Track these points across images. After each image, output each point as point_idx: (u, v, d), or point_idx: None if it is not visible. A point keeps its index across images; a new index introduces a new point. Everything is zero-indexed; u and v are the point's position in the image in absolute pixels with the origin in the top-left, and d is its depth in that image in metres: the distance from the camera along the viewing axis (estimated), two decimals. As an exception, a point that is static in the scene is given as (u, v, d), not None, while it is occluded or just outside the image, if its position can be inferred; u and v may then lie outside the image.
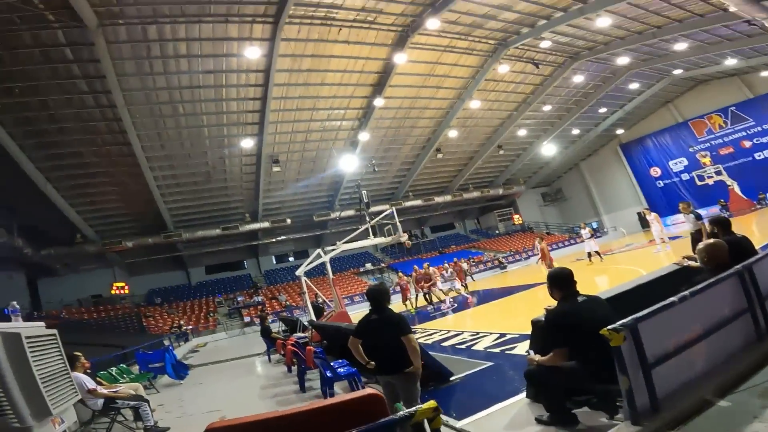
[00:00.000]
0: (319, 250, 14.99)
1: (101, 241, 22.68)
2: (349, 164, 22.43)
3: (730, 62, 23.61)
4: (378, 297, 3.54)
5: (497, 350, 6.22)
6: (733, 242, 4.16)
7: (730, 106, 28.02)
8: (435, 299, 15.18)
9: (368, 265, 31.62)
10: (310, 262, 14.62)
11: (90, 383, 5.47)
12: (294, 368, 7.65)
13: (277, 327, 14.62)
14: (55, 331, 4.16)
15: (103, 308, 23.63)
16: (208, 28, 14.44)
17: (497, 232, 38.44)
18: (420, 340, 8.31)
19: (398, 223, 16.10)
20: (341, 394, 5.83)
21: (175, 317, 23.16)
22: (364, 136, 22.38)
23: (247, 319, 23.22)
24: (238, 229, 25.54)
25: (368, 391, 2.12)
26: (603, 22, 18.11)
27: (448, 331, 8.95)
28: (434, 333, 9.26)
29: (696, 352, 2.97)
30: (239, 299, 25.83)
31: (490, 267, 28.72)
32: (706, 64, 24.55)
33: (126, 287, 25.47)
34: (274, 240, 29.56)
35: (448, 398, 4.62)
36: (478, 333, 7.87)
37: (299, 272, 13.95)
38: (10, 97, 14.28)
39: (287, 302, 25.31)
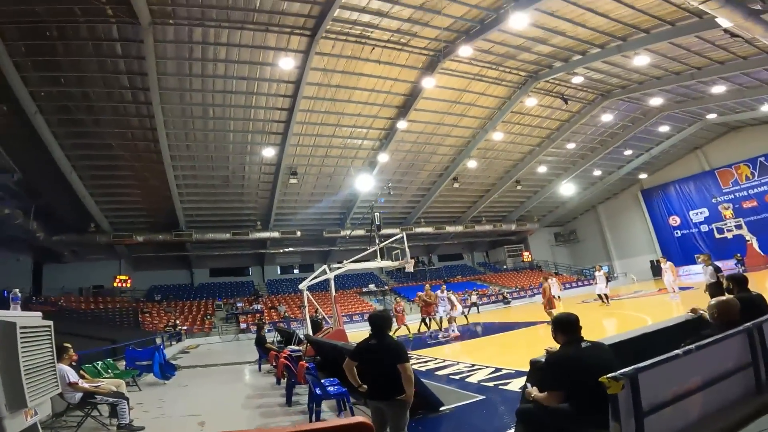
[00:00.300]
0: (325, 267, 14.96)
1: (113, 233, 23.02)
2: (365, 184, 22.43)
3: (767, 108, 22.99)
4: (380, 323, 3.57)
5: (491, 384, 6.06)
6: (746, 299, 4.25)
7: (760, 156, 27.38)
8: (434, 325, 14.84)
9: (371, 286, 31.38)
10: (315, 277, 14.60)
11: (72, 376, 5.44)
12: (283, 381, 7.52)
13: (272, 337, 14.49)
14: (50, 323, 4.14)
15: (102, 300, 23.75)
16: (249, 36, 14.89)
17: (505, 267, 37.96)
18: (414, 367, 8.18)
19: (407, 249, 16.05)
20: (329, 414, 5.74)
21: (172, 316, 23.13)
22: (383, 158, 22.43)
23: (243, 325, 23.06)
24: (248, 235, 25.73)
25: (359, 418, 1.98)
26: (641, 60, 17.62)
27: (444, 360, 8.75)
28: (429, 361, 9.06)
29: (692, 402, 2.94)
30: (239, 305, 25.75)
31: (494, 301, 28.24)
32: (741, 109, 24.00)
33: (129, 281, 25.65)
34: (281, 250, 29.65)
35: (436, 428, 4.58)
36: (473, 365, 7.70)
37: (302, 286, 13.92)
38: (56, 86, 14.97)
39: (286, 313, 25.13)
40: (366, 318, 3.81)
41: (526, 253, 38.02)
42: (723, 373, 3.16)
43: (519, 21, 13.98)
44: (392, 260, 16.80)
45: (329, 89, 18.14)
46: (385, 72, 18.06)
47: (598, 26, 15.60)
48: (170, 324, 21.22)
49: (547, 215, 36.99)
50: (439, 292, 14.37)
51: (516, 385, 5.44)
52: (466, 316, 17.36)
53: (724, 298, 3.69)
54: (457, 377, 6.91)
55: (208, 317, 24.09)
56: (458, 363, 8.21)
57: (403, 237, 15.57)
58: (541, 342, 10.56)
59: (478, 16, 15.36)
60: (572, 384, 2.92)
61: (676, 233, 32.21)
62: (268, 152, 20.56)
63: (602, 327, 11.32)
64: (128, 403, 5.59)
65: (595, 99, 22.57)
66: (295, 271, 32.91)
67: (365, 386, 3.48)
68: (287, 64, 15.85)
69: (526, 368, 3.81)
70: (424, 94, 19.39)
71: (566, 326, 3.10)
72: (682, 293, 15.59)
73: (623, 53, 16.94)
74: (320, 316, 15.01)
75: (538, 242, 38.85)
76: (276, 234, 26.42)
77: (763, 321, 3.60)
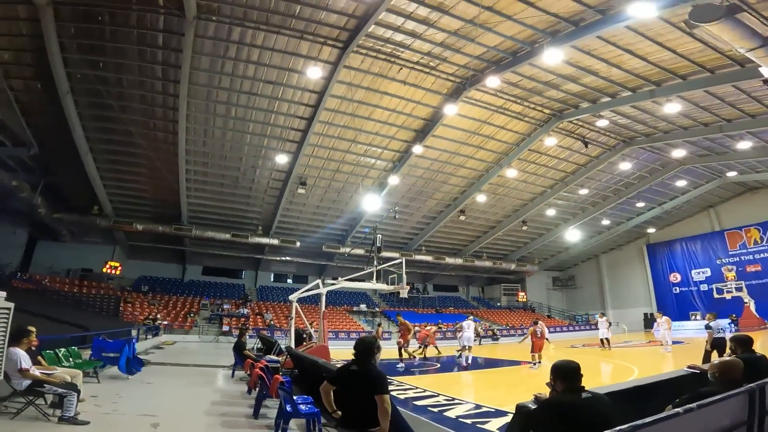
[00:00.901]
0: (319, 281, 14.79)
1: (114, 218, 22.98)
2: (371, 204, 22.28)
3: None
4: (364, 349, 3.42)
5: (469, 421, 5.77)
6: (750, 360, 4.25)
7: None
8: (405, 355, 14.98)
9: (363, 306, 30.93)
10: (307, 290, 14.39)
11: (25, 362, 5.21)
12: (255, 391, 7.24)
13: (253, 344, 14.16)
14: (11, 305, 3.97)
15: (87, 284, 23.37)
16: (283, 41, 15.08)
17: (499, 304, 37.44)
18: (394, 394, 7.90)
19: (404, 275, 15.82)
20: None
21: (154, 309, 22.72)
22: (393, 180, 22.24)
23: (226, 327, 22.60)
24: (247, 239, 25.59)
25: None
26: (672, 108, 16.92)
27: (425, 390, 8.44)
28: (410, 389, 8.73)
29: None
30: (225, 306, 25.35)
31: (482, 336, 27.65)
32: (763, 168, 23.41)
33: (119, 268, 25.36)
34: (278, 258, 29.43)
35: None
36: (454, 399, 7.42)
37: (293, 297, 13.72)
38: (93, 69, 15.29)
39: (272, 322, 24.68)
40: (354, 344, 3.60)
41: (521, 293, 37.53)
42: (717, 430, 3.05)
43: (553, 57, 13.70)
44: (388, 284, 16.59)
45: (351, 104, 18.18)
46: (409, 94, 18.02)
47: (634, 69, 15.37)
48: (150, 317, 20.84)
49: (549, 259, 36.63)
50: (465, 321, 14.63)
51: (495, 424, 5.18)
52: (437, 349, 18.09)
53: (728, 359, 3.61)
54: (435, 410, 6.62)
55: (192, 315, 23.67)
56: (438, 395, 7.90)
57: (402, 262, 15.39)
58: (524, 381, 10.41)
59: (511, 48, 15.28)
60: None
61: (675, 290, 31.93)
62: (282, 159, 20.57)
63: (593, 372, 10.93)
64: (78, 396, 5.32)
65: (616, 145, 22.26)
66: (289, 280, 32.57)
67: (339, 413, 3.34)
68: (315, 73, 15.94)
69: (506, 407, 3.63)
70: (444, 121, 19.26)
71: (567, 374, 2.91)
72: (674, 347, 16.15)
73: (654, 99, 16.53)
74: (306, 330, 14.72)
75: (535, 284, 38.38)
76: (275, 241, 26.28)
77: (767, 383, 3.56)
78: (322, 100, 17.38)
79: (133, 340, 10.66)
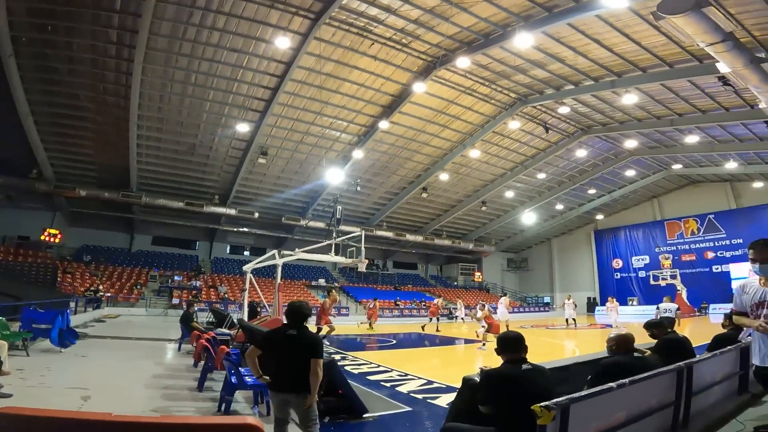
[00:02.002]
0: (275, 252, 14.45)
1: (54, 182, 21.20)
2: (334, 177, 21.95)
3: (731, 165, 24.05)
4: (299, 313, 3.47)
5: (420, 396, 5.84)
6: (675, 340, 4.91)
7: (710, 213, 29.15)
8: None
9: (321, 281, 30.80)
10: (262, 261, 13.99)
11: None
12: (201, 364, 6.94)
13: (205, 317, 13.68)
14: None
15: (23, 252, 21.68)
16: (252, 9, 14.27)
17: (456, 283, 38.47)
18: (348, 369, 7.86)
19: (363, 248, 15.84)
20: (242, 406, 5.31)
21: (97, 280, 21.45)
22: (358, 154, 22.06)
23: (176, 300, 21.76)
24: (202, 208, 24.53)
25: (246, 419, 1.66)
26: (629, 99, 17.72)
27: (378, 366, 8.47)
28: (364, 364, 8.74)
29: None
30: (176, 278, 24.36)
31: (440, 315, 28.37)
32: (707, 163, 25.11)
33: (59, 236, 23.57)
34: (235, 229, 28.50)
35: None
36: (407, 374, 7.48)
37: (247, 267, 13.30)
38: (42, 33, 14.16)
39: (226, 295, 24.06)
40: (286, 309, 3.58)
41: (478, 274, 38.73)
42: (646, 410, 3.29)
43: (524, 41, 13.88)
44: (346, 257, 16.50)
45: (319, 76, 17.72)
46: (379, 69, 17.79)
47: (599, 58, 15.74)
48: (92, 288, 19.64)
49: (505, 240, 37.86)
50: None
51: (445, 400, 5.26)
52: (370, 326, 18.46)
53: (622, 332, 4.00)
54: (388, 385, 6.65)
55: (139, 287, 22.57)
56: (392, 370, 7.97)
57: (361, 236, 15.31)
58: (476, 359, 10.72)
59: (484, 30, 15.24)
60: (504, 405, 2.85)
61: (616, 275, 33.88)
62: (243, 127, 19.84)
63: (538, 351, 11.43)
64: (1, 367, 4.87)
65: (574, 132, 23.11)
66: (246, 252, 31.72)
67: (267, 377, 3.37)
68: (283, 43, 15.29)
69: (457, 383, 3.62)
70: (412, 98, 19.23)
71: (510, 344, 3.08)
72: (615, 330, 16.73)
73: (614, 89, 17.18)
74: (260, 303, 14.40)
75: (490, 264, 39.67)
76: (233, 211, 25.37)
77: (694, 362, 3.95)
78: (289, 71, 16.83)
79: (68, 312, 9.92)
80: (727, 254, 28.39)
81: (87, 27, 14.27)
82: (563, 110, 20.70)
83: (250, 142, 20.83)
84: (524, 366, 2.98)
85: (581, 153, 24.46)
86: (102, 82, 16.91)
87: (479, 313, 12.92)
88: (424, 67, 17.71)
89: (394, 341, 14.34)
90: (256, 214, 25.96)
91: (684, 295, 27.08)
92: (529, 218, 31.84)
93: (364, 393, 5.59)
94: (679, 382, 3.66)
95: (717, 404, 4.47)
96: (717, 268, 28.63)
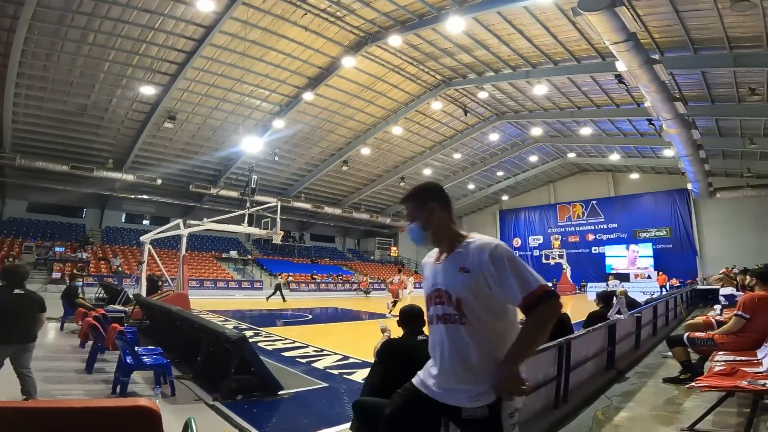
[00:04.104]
0: (179, 221, 13.33)
1: None
2: (251, 146, 20.64)
3: (614, 157, 27.41)
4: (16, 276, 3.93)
5: (336, 372, 5.85)
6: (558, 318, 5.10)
7: (593, 199, 33.15)
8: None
9: (233, 253, 29.34)
10: (164, 231, 12.79)
11: None
12: (90, 344, 6.17)
13: (95, 293, 12.23)
14: None
15: None
16: None
17: (372, 258, 39.30)
18: (261, 345, 7.60)
19: (279, 219, 15.38)
20: (141, 387, 4.88)
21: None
22: (278, 124, 21.08)
23: (57, 275, 19.09)
24: (92, 173, 21.48)
25: (140, 401, 1.44)
26: (539, 90, 19.14)
27: (294, 342, 8.32)
28: (278, 340, 8.53)
29: None
30: (57, 250, 21.30)
31: (355, 289, 28.92)
32: (595, 153, 28.27)
33: None
34: (132, 196, 25.53)
35: (270, 413, 4.22)
36: (323, 350, 7.46)
37: (145, 238, 12.08)
38: None
39: (119, 268, 21.73)
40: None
41: (394, 248, 39.92)
42: (534, 385, 3.48)
43: (455, 25, 14.23)
44: (261, 228, 15.85)
45: (243, 43, 16.37)
46: (309, 41, 16.97)
47: (519, 48, 16.55)
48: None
49: (421, 216, 39.25)
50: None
51: (360, 375, 5.31)
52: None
53: None
54: (303, 361, 6.55)
55: (10, 259, 19.32)
56: (308, 346, 7.88)
57: (278, 206, 14.75)
58: (393, 333, 11.01)
59: (419, 10, 15.24)
60: (398, 372, 2.87)
61: (516, 253, 36.97)
62: (147, 90, 17.75)
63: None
64: None
65: (490, 117, 24.45)
66: (146, 221, 28.80)
67: None
68: (206, 6, 13.72)
69: (372, 358, 3.64)
70: (340, 72, 18.79)
71: (408, 318, 3.23)
72: None
73: (529, 79, 18.38)
74: (162, 277, 13.26)
75: (406, 240, 41.01)
76: (130, 177, 22.64)
77: (572, 338, 4.20)
78: (210, 35, 15.38)
79: None
80: (604, 237, 32.72)
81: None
82: (482, 95, 21.74)
83: (156, 106, 18.77)
84: (420, 337, 3.16)
85: (494, 137, 26.04)
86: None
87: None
88: (355, 42, 17.37)
89: (310, 316, 14.17)
90: (159, 181, 23.55)
91: (568, 273, 30.69)
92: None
93: (279, 370, 5.45)
94: (560, 357, 3.93)
95: (590, 379, 4.84)
96: (596, 250, 32.89)
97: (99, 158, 21.97)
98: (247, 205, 15.02)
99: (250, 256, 30.49)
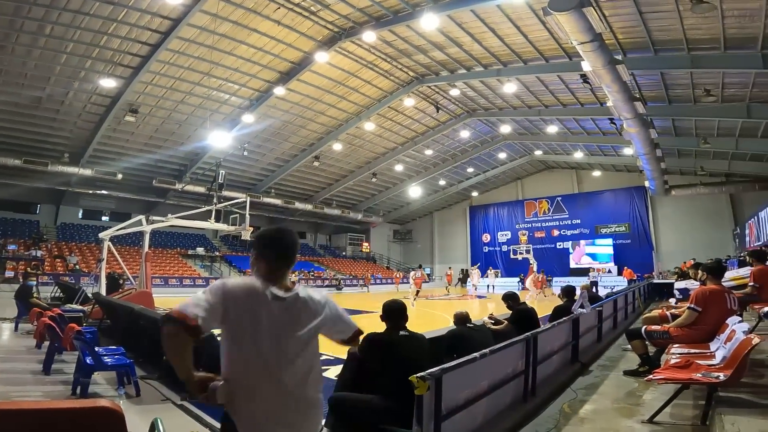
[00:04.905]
0: (141, 217, 12.81)
1: None
2: (219, 140, 20.03)
3: (578, 155, 28.37)
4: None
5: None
6: (525, 311, 5.62)
7: (558, 196, 34.22)
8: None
9: (200, 250, 28.50)
10: (125, 227, 12.27)
11: None
12: (46, 345, 5.89)
13: (50, 292, 11.62)
14: None
15: None
16: None
17: (344, 254, 39.18)
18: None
19: (248, 215, 15.08)
20: (103, 388, 4.71)
21: None
22: (248, 118, 20.55)
23: (9, 273, 18.09)
24: (46, 167, 20.27)
25: (101, 402, 1.39)
26: (509, 88, 19.62)
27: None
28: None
29: (478, 407, 3.25)
30: (10, 248, 20.06)
31: (326, 285, 28.76)
32: (560, 151, 29.21)
33: None
34: (90, 192, 24.30)
35: None
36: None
37: (104, 234, 11.55)
38: None
39: (77, 266, 20.70)
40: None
41: (365, 244, 39.92)
42: (503, 378, 3.65)
43: (429, 23, 14.29)
44: (229, 224, 15.49)
45: (213, 36, 15.84)
46: (282, 35, 16.61)
47: (491, 47, 16.79)
48: None
49: (392, 212, 39.46)
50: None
51: (333, 372, 5.25)
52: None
53: (460, 310, 4.96)
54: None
55: (-43, 257, 18.11)
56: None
57: (246, 202, 14.43)
58: (367, 330, 10.88)
59: (394, 7, 15.18)
60: (380, 366, 3.12)
61: (485, 249, 37.94)
62: (108, 83, 16.90)
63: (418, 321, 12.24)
64: None
65: (461, 114, 24.79)
66: (105, 218, 27.48)
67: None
68: None
69: (345, 356, 3.63)
70: (312, 67, 18.54)
71: (390, 312, 3.33)
72: (482, 300, 20.01)
73: (499, 77, 18.75)
74: (123, 275, 12.74)
75: (378, 235, 41.15)
76: (88, 172, 21.48)
77: (539, 332, 4.39)
78: (177, 28, 14.79)
79: None
80: (568, 233, 33.89)
81: None
82: (454, 92, 22.02)
83: (117, 99, 17.92)
84: (401, 332, 3.24)
85: (465, 134, 26.45)
86: None
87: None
88: (329, 37, 17.18)
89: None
90: (120, 176, 22.49)
91: (535, 268, 31.54)
92: (415, 192, 33.59)
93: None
94: (527, 351, 4.03)
95: (556, 373, 5.00)
96: (560, 245, 33.96)
97: (54, 152, 20.83)
98: (215, 200, 14.66)
99: (217, 253, 29.72)
